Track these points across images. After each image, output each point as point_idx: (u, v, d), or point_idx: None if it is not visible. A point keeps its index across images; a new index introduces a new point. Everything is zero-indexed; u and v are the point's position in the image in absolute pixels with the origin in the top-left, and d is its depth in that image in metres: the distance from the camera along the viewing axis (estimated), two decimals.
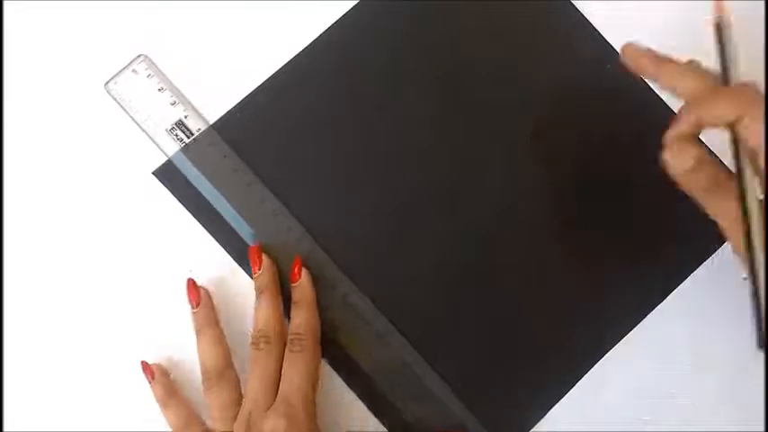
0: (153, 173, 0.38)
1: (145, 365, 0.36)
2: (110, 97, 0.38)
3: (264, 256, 0.37)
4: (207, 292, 0.37)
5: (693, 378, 0.37)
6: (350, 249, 0.38)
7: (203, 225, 0.38)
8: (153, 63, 0.38)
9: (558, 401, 0.37)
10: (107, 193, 0.38)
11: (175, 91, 0.38)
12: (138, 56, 0.38)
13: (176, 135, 0.38)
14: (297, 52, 0.39)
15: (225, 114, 0.38)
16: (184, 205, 0.38)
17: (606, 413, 0.37)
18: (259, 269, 0.36)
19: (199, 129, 0.38)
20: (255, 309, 0.36)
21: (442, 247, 0.38)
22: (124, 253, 0.37)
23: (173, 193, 0.38)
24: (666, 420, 0.37)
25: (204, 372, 0.35)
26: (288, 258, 0.37)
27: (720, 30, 0.32)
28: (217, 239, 0.38)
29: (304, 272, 0.37)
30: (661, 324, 0.38)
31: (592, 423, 0.37)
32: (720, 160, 0.34)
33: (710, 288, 0.38)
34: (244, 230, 0.37)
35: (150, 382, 0.36)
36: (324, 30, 0.39)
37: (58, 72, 0.38)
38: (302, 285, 0.36)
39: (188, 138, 0.38)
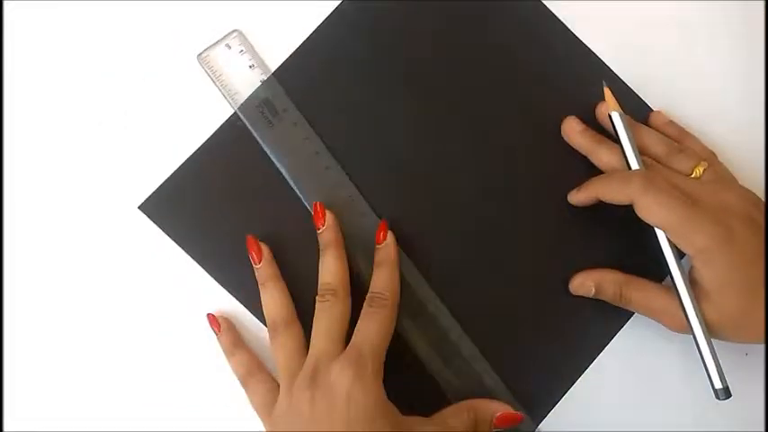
0: (139, 207, 0.38)
1: (212, 318, 0.38)
2: (201, 69, 0.39)
3: (328, 212, 0.37)
4: (267, 247, 0.38)
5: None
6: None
7: (192, 256, 0.38)
8: (246, 39, 0.39)
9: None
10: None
11: (266, 69, 0.39)
12: (233, 31, 0.39)
13: (262, 112, 0.39)
14: None
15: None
16: (173, 239, 0.38)
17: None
18: (323, 225, 0.37)
19: (285, 109, 0.39)
20: (321, 263, 0.37)
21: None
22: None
23: (160, 228, 0.38)
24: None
25: (271, 322, 0.36)
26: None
27: (613, 122, 0.37)
28: (209, 272, 0.38)
29: (389, 234, 0.37)
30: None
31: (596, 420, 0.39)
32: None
33: None
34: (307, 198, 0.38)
35: (217, 334, 0.37)
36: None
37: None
38: (388, 245, 0.37)
39: (273, 116, 0.39)
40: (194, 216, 0.38)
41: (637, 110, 0.40)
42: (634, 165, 0.36)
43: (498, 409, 0.37)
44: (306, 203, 0.38)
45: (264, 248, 0.38)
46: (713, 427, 0.38)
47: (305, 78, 0.39)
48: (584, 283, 0.38)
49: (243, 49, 0.39)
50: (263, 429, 0.36)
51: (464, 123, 0.40)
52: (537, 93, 0.40)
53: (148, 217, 0.38)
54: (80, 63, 0.39)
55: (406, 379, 0.37)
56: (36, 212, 0.38)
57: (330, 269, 0.37)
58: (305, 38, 0.39)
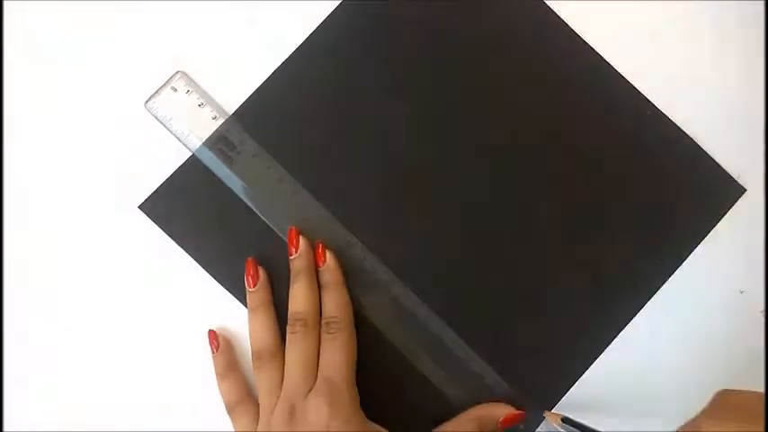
0: (139, 207, 0.38)
1: (212, 335, 0.37)
2: (150, 116, 0.38)
3: (302, 239, 0.37)
4: (265, 272, 0.37)
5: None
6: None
7: (192, 255, 0.38)
8: (191, 79, 0.39)
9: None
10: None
11: (215, 105, 0.38)
12: (176, 72, 0.39)
13: (219, 149, 0.38)
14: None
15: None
16: (172, 237, 0.38)
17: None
18: (296, 252, 0.37)
19: (242, 141, 0.38)
20: (291, 291, 0.36)
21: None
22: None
23: (160, 227, 0.38)
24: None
25: (257, 350, 0.36)
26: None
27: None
28: (207, 270, 0.38)
29: (329, 254, 0.37)
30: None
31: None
32: None
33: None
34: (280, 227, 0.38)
35: (213, 353, 0.37)
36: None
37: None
38: (329, 268, 0.37)
39: (231, 151, 0.38)
40: (194, 216, 0.38)
41: (636, 106, 0.39)
42: None
43: (502, 412, 0.37)
44: (278, 232, 0.38)
45: (262, 273, 0.37)
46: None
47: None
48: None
49: (189, 89, 0.38)
50: None
51: (454, 125, 0.39)
52: (536, 92, 0.39)
53: (148, 217, 0.38)
54: (80, 63, 0.39)
55: (403, 392, 0.37)
56: (36, 212, 0.38)
57: (299, 298, 0.36)
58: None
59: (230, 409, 0.36)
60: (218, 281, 0.38)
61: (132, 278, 0.38)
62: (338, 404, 0.34)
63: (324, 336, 0.36)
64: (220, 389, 0.37)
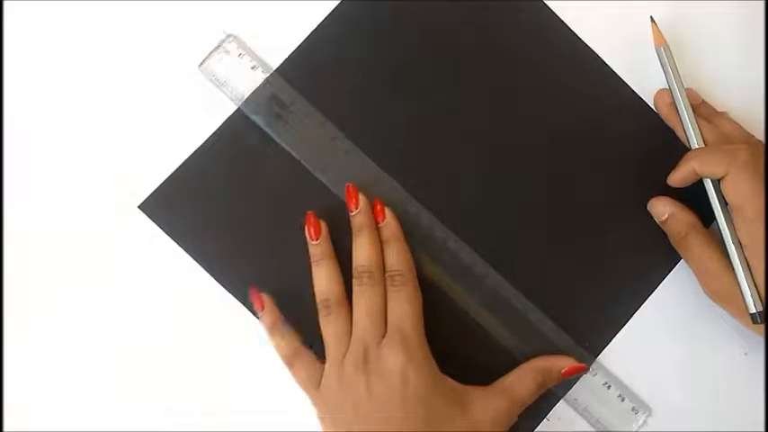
0: (139, 207, 0.38)
1: (255, 294, 0.37)
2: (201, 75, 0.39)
3: (361, 196, 0.37)
4: (326, 226, 0.37)
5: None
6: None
7: (192, 255, 0.38)
8: (243, 42, 0.39)
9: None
10: None
11: (267, 68, 0.39)
12: (228, 36, 0.39)
13: (271, 108, 0.38)
14: None
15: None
16: (172, 237, 0.38)
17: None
18: (356, 208, 0.37)
19: (293, 101, 0.39)
20: (355, 246, 0.37)
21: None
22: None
23: (160, 227, 0.38)
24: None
25: (323, 299, 0.36)
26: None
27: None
28: (207, 270, 0.38)
29: (387, 210, 0.37)
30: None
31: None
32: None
33: None
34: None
35: (260, 312, 0.37)
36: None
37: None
38: (389, 223, 0.37)
39: (283, 110, 0.38)
40: (194, 216, 0.38)
41: (635, 104, 0.40)
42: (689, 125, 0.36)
43: (564, 364, 0.37)
44: (333, 190, 0.38)
45: (323, 225, 0.37)
46: (714, 426, 0.38)
47: (309, 69, 0.39)
48: (662, 208, 0.38)
49: (241, 52, 0.39)
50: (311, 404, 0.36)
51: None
52: (539, 93, 0.40)
53: (148, 216, 0.38)
54: (80, 64, 0.39)
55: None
56: (36, 212, 0.38)
57: (364, 252, 0.36)
58: (302, 36, 0.39)
59: (289, 363, 0.36)
60: (219, 281, 0.38)
61: (132, 278, 0.38)
62: (413, 352, 0.34)
63: (389, 289, 0.36)
64: (273, 345, 0.36)
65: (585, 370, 0.37)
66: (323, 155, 0.38)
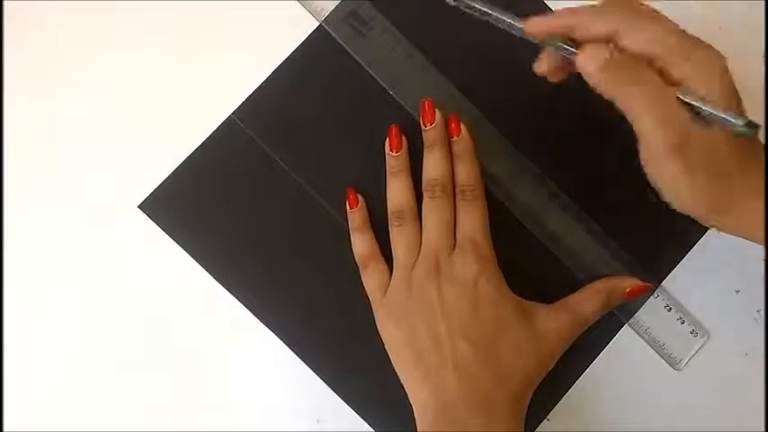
0: (139, 207, 0.38)
1: (351, 192, 0.38)
2: None
3: (437, 111, 0.37)
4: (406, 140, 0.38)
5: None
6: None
7: (192, 255, 0.38)
8: None
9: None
10: None
11: None
12: None
13: (351, 24, 0.39)
14: None
15: None
16: (172, 237, 0.38)
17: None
18: (432, 123, 0.37)
19: (372, 17, 0.39)
20: (426, 159, 0.37)
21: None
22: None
23: (160, 227, 0.38)
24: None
25: (397, 210, 0.37)
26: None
27: None
28: (207, 270, 0.38)
29: (462, 126, 0.38)
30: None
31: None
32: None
33: None
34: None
35: (351, 209, 0.37)
36: None
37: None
38: (463, 138, 0.37)
39: (362, 26, 0.39)
40: (194, 215, 0.38)
41: None
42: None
43: (629, 284, 0.37)
44: (407, 107, 0.39)
45: (404, 140, 0.37)
46: (714, 426, 0.38)
47: None
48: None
49: None
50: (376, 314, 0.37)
51: None
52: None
53: (148, 216, 0.38)
54: (80, 63, 0.39)
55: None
56: (36, 212, 0.38)
57: (437, 166, 0.37)
58: None
59: (363, 265, 0.37)
60: (218, 281, 0.38)
61: (132, 278, 0.38)
62: (484, 262, 0.35)
63: (459, 202, 0.37)
64: (355, 243, 0.37)
65: (651, 290, 0.38)
66: (398, 71, 0.39)
